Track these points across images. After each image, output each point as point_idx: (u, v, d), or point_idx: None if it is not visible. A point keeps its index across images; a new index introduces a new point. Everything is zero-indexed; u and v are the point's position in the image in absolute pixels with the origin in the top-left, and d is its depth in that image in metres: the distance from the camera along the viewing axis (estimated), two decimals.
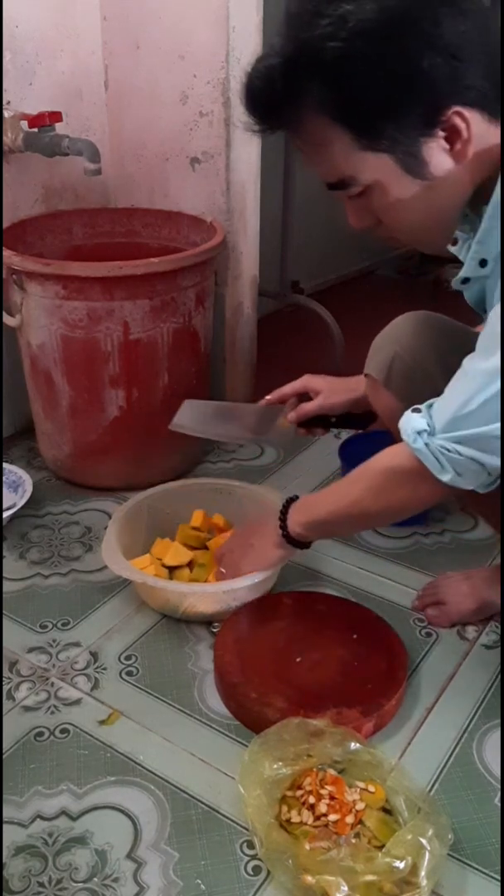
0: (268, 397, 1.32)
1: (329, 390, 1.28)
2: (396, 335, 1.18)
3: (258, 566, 1.24)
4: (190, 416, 1.33)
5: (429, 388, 1.12)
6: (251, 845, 0.98)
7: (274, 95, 0.82)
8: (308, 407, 1.27)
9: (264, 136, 0.88)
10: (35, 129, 1.54)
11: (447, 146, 0.82)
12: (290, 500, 1.20)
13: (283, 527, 1.18)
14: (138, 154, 1.83)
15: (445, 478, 0.94)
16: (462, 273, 0.91)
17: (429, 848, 0.89)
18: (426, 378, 1.12)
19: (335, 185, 0.88)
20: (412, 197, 0.86)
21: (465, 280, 0.92)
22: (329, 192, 0.90)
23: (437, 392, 1.12)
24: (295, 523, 1.17)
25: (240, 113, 0.86)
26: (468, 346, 1.12)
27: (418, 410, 0.96)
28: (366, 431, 1.71)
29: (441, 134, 0.81)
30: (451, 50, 0.77)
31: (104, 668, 1.25)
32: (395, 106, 0.79)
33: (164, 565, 1.37)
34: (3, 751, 1.10)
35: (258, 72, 0.83)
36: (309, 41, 0.77)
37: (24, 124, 1.55)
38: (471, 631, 1.31)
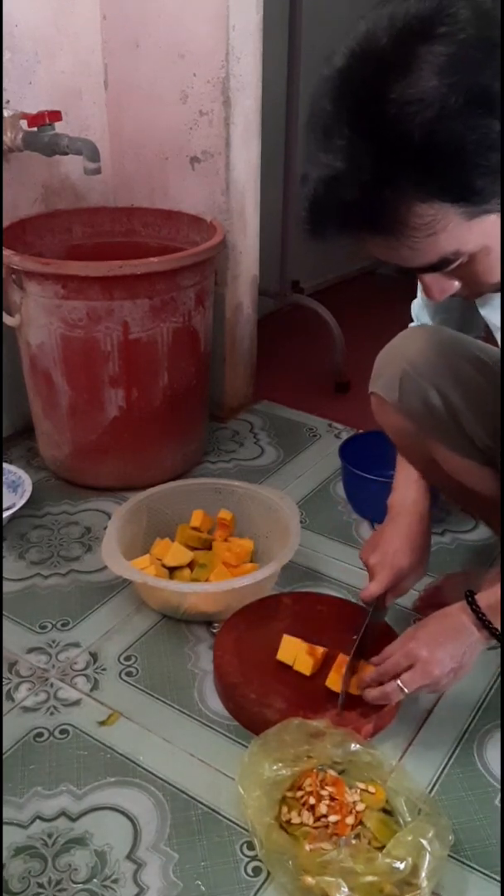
0: (363, 598, 1.22)
1: (413, 561, 1.21)
2: (404, 352, 1.14)
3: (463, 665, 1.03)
4: None
5: (443, 408, 1.10)
6: (251, 846, 0.98)
7: (373, 203, 0.72)
8: (407, 587, 1.23)
9: (351, 243, 0.79)
10: (35, 129, 1.54)
11: None
12: (469, 596, 1.04)
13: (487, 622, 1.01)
14: (138, 153, 1.83)
15: None
16: None
17: (429, 849, 0.89)
18: (440, 397, 1.10)
19: (433, 266, 0.78)
20: None
21: None
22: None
23: (451, 411, 1.10)
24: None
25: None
26: (481, 361, 1.11)
27: None
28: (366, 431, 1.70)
29: None
30: None
31: (104, 669, 1.24)
32: (489, 159, 0.70)
33: (164, 566, 1.37)
34: (3, 751, 1.10)
35: (337, 187, 0.72)
36: (392, 132, 0.68)
37: (24, 123, 1.55)
38: None
